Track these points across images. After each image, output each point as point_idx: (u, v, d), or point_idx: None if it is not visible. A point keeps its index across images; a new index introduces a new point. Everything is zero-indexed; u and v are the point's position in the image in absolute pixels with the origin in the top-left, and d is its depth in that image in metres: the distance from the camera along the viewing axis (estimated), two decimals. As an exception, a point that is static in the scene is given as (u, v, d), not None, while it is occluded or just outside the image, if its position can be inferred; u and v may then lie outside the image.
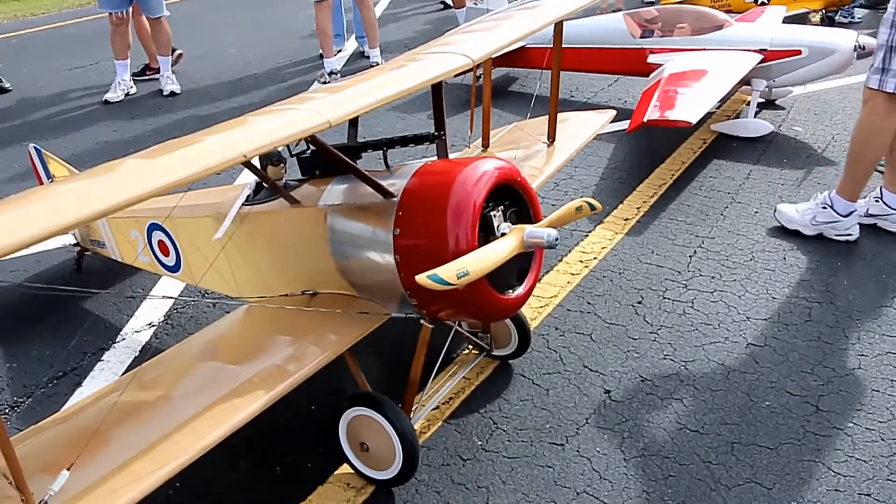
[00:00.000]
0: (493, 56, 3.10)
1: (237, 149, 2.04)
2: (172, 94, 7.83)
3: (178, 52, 8.45)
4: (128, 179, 1.92)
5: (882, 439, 3.01)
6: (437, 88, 2.86)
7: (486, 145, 4.09)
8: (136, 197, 1.83)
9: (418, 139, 2.92)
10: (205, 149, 2.08)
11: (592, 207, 2.78)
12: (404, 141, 2.92)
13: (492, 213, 2.55)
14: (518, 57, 6.53)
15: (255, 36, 10.35)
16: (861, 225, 4.52)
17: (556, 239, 2.46)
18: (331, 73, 7.87)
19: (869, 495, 2.76)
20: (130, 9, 7.66)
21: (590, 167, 5.36)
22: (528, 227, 2.49)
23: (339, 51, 8.97)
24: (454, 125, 5.73)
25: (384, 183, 2.66)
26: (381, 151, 2.86)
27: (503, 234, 2.52)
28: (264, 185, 3.05)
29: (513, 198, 2.66)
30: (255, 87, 8.06)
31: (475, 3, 7.14)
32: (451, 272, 2.26)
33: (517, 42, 3.16)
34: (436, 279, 2.25)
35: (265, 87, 8.00)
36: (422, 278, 2.25)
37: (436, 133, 2.92)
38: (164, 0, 7.69)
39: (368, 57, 8.42)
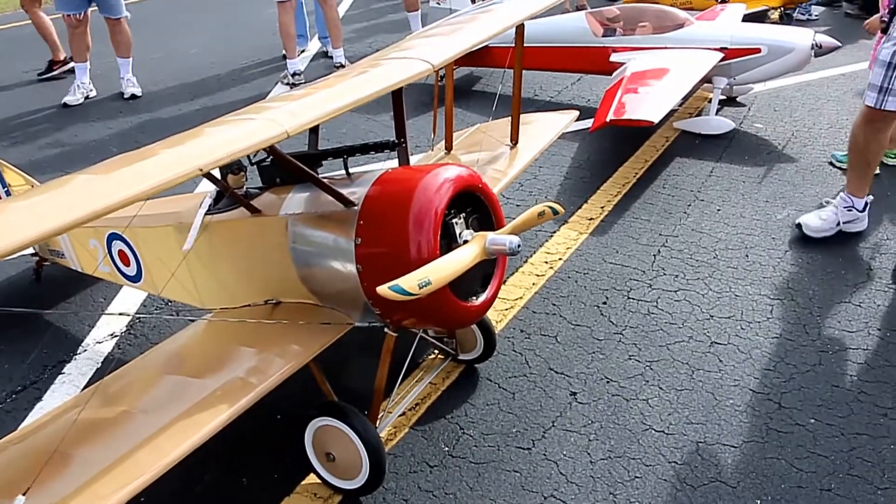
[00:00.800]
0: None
1: (194, 162, 2.01)
2: (133, 96, 7.72)
3: (64, 59, 8.49)
4: (82, 195, 1.89)
5: (842, 434, 3.06)
6: (397, 95, 2.85)
7: (449, 148, 4.08)
8: (91, 213, 1.80)
9: (379, 147, 2.91)
10: (161, 162, 2.05)
11: (555, 212, 2.78)
12: (365, 149, 2.91)
13: (454, 221, 2.54)
14: (481, 56, 6.53)
15: (218, 36, 10.25)
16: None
17: (519, 246, 2.46)
18: (294, 74, 7.81)
19: (830, 490, 2.80)
20: (89, 10, 7.54)
21: (554, 167, 5.38)
22: (490, 235, 2.48)
23: (303, 51, 8.90)
24: (417, 126, 5.73)
25: (345, 191, 2.65)
26: (342, 159, 2.84)
27: (465, 242, 2.52)
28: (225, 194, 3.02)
29: (475, 204, 2.65)
30: (218, 88, 7.98)
31: (438, 3, 7.13)
32: (413, 282, 2.25)
33: (477, 46, 3.15)
34: (397, 290, 2.24)
35: (228, 88, 7.93)
36: (383, 289, 2.24)
37: (396, 140, 2.91)
38: (123, 1, 7.58)
39: (332, 57, 8.37)
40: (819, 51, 6.05)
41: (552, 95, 7.09)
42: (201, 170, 2.01)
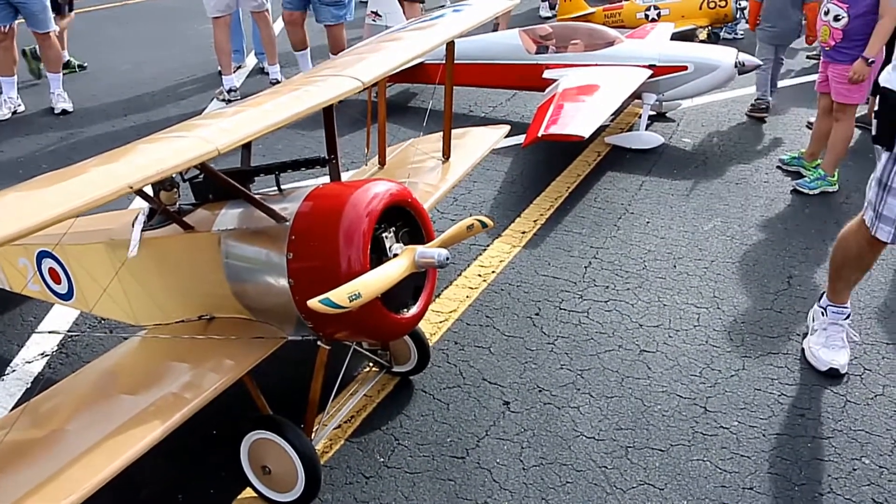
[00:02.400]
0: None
1: (124, 180, 2.03)
2: (64, 111, 7.57)
3: None
4: (11, 213, 1.89)
5: (763, 435, 3.19)
6: (328, 111, 2.90)
7: (382, 163, 4.14)
8: (19, 231, 1.80)
9: (310, 163, 2.96)
10: (91, 180, 2.06)
11: (484, 225, 2.86)
12: (296, 165, 2.95)
13: (384, 235, 2.60)
14: (415, 73, 6.61)
15: (153, 51, 10.12)
16: (751, 233, 4.77)
17: (447, 259, 2.52)
18: (229, 91, 7.78)
19: (752, 489, 2.92)
20: (15, 23, 7.38)
21: (488, 181, 5.47)
22: (420, 248, 2.54)
23: (239, 67, 8.87)
24: (352, 142, 5.78)
25: (277, 207, 2.69)
26: (274, 175, 2.88)
27: (395, 255, 2.58)
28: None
29: (405, 218, 2.71)
30: (152, 104, 7.89)
31: (374, 20, 7.19)
32: (343, 295, 2.30)
33: (407, 63, 3.21)
34: (327, 303, 2.28)
35: (162, 104, 7.85)
36: (313, 303, 2.28)
37: (327, 157, 2.96)
38: (51, 14, 7.44)
39: (268, 73, 8.36)
40: (743, 69, 6.29)
41: (487, 111, 7.20)
42: (132, 188, 2.03)
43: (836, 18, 5.16)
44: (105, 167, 2.14)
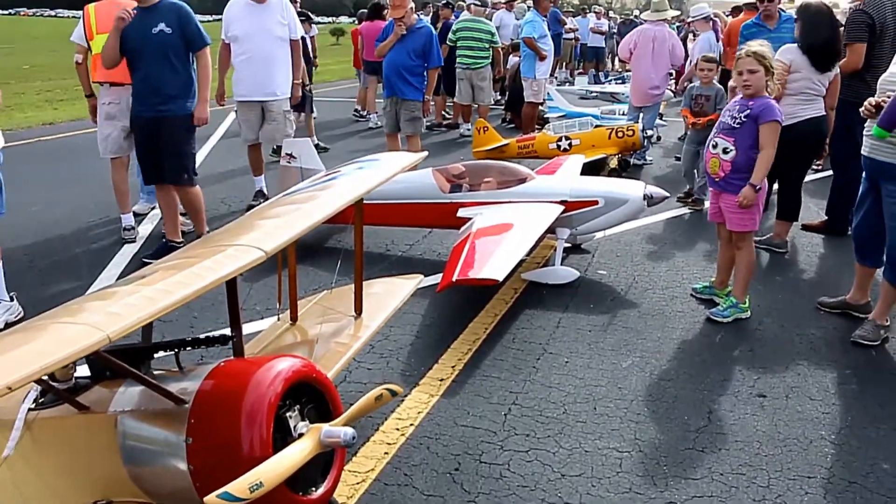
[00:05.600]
0: None
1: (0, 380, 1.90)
2: (-35, 259, 7.29)
3: None
4: None
5: None
6: (231, 285, 2.83)
7: (293, 319, 4.06)
8: None
9: (211, 341, 2.87)
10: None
11: (393, 393, 2.78)
12: (197, 343, 2.86)
13: (288, 414, 2.50)
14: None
15: (65, 191, 9.91)
16: (669, 368, 4.80)
17: (354, 437, 2.43)
18: (125, 229, 7.64)
19: None
20: None
21: (405, 325, 5.40)
22: (325, 427, 2.45)
23: (153, 207, 8.76)
24: (263, 292, 5.67)
25: (177, 386, 2.57)
26: (174, 353, 2.77)
27: (301, 435, 2.47)
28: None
29: (310, 394, 2.62)
30: (61, 248, 7.65)
31: (288, 162, 7.22)
32: (244, 486, 2.17)
33: (314, 227, 3.17)
34: (227, 497, 2.15)
35: (71, 249, 7.61)
36: (211, 499, 2.14)
37: (230, 335, 2.87)
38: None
39: (185, 214, 8.18)
40: (651, 201, 6.48)
41: (404, 250, 7.22)
42: (10, 388, 1.90)
43: (725, 151, 5.45)
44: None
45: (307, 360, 2.63)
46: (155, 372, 2.77)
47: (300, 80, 8.90)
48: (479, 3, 14.02)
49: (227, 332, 2.95)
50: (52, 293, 6.09)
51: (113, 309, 2.30)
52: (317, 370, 2.63)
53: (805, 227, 7.91)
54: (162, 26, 6.50)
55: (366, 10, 14.78)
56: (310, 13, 14.93)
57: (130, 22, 6.50)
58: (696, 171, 8.37)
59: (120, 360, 2.59)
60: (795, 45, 6.95)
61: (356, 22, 20.63)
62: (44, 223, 8.42)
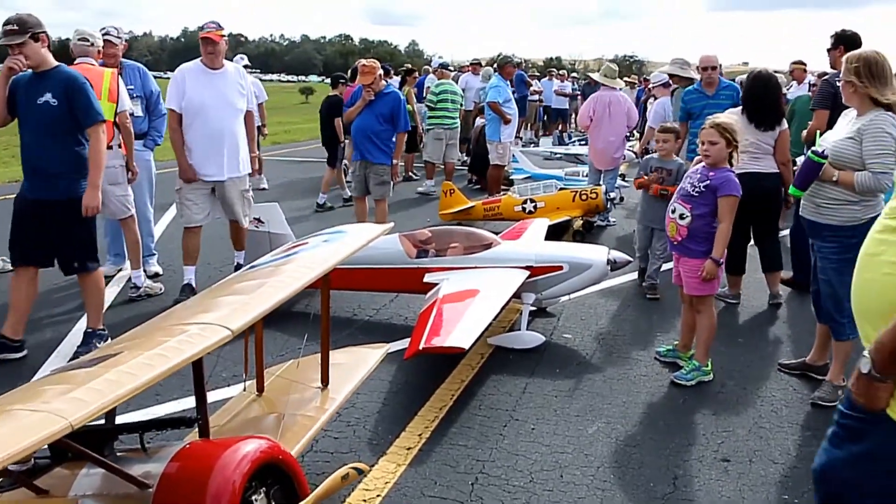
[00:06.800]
0: None
1: None
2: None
3: None
4: None
5: None
6: (197, 365, 2.84)
7: (260, 390, 4.05)
8: None
9: (176, 423, 2.86)
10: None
11: (359, 471, 2.79)
12: (161, 424, 2.85)
13: (254, 497, 2.50)
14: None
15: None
16: (634, 433, 4.82)
17: (319, 520, 2.44)
18: None
19: None
20: None
21: (372, 392, 5.39)
22: (290, 510, 2.45)
23: (119, 269, 8.70)
24: (230, 357, 5.61)
25: (141, 469, 2.56)
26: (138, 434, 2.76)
27: (266, 517, 2.47)
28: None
29: (276, 475, 2.62)
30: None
31: (256, 227, 7.26)
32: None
33: (280, 304, 3.19)
34: (187, 587, 2.14)
35: (34, 312, 7.43)
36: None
37: (195, 417, 2.87)
38: None
39: (138, 287, 8.06)
40: (615, 265, 6.59)
41: (371, 314, 7.24)
42: None
43: (682, 217, 5.61)
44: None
45: (273, 442, 2.63)
46: (118, 453, 2.75)
47: (256, 153, 8.30)
48: (449, 68, 14.85)
49: (192, 412, 2.95)
50: (14, 359, 6.00)
51: (76, 394, 2.29)
52: (283, 451, 2.64)
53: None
54: (48, 97, 5.76)
55: (339, 74, 15.06)
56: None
57: (21, 87, 5.85)
58: (648, 251, 8.05)
59: (82, 442, 2.58)
60: (739, 107, 7.28)
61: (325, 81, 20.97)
62: (5, 283, 8.30)
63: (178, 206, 8.00)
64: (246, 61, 13.83)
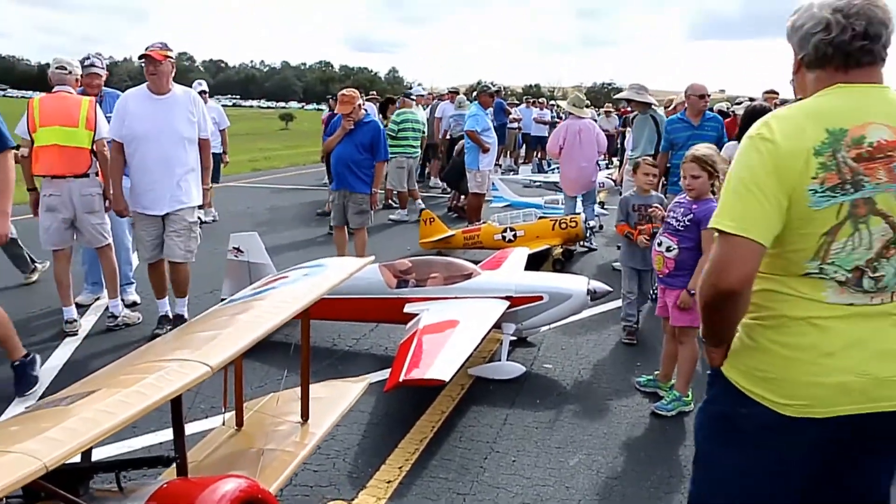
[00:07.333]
0: None
1: None
2: None
3: None
4: None
5: None
6: (176, 402, 2.81)
7: (239, 424, 4.01)
8: None
9: (153, 462, 2.82)
10: None
11: (339, 508, 2.76)
12: (138, 463, 2.81)
13: (231, 537, 2.46)
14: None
15: (5, 279, 9.69)
16: (615, 465, 4.80)
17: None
18: (67, 322, 7.43)
19: None
20: None
21: (353, 424, 5.35)
22: (271, 551, 2.42)
23: (97, 298, 8.62)
24: (208, 390, 5.53)
25: (116, 509, 2.52)
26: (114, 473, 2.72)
27: (245, 559, 2.43)
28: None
29: (254, 514, 2.59)
30: (0, 344, 7.46)
31: (235, 256, 7.22)
32: None
33: (259, 339, 3.17)
34: None
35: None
36: None
37: (174, 456, 2.84)
38: None
39: (115, 316, 7.96)
40: (595, 296, 6.61)
41: (350, 344, 7.20)
42: None
43: (668, 249, 5.63)
44: None
45: (252, 480, 2.60)
46: (94, 492, 2.71)
47: (209, 185, 7.73)
48: (413, 97, 15.24)
49: (170, 448, 2.91)
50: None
51: (50, 434, 2.26)
52: (262, 489, 2.61)
53: None
54: None
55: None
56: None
57: None
58: (633, 295, 7.47)
59: (56, 481, 2.53)
60: (734, 142, 7.32)
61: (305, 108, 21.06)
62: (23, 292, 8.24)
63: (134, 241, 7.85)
64: (203, 87, 13.64)
